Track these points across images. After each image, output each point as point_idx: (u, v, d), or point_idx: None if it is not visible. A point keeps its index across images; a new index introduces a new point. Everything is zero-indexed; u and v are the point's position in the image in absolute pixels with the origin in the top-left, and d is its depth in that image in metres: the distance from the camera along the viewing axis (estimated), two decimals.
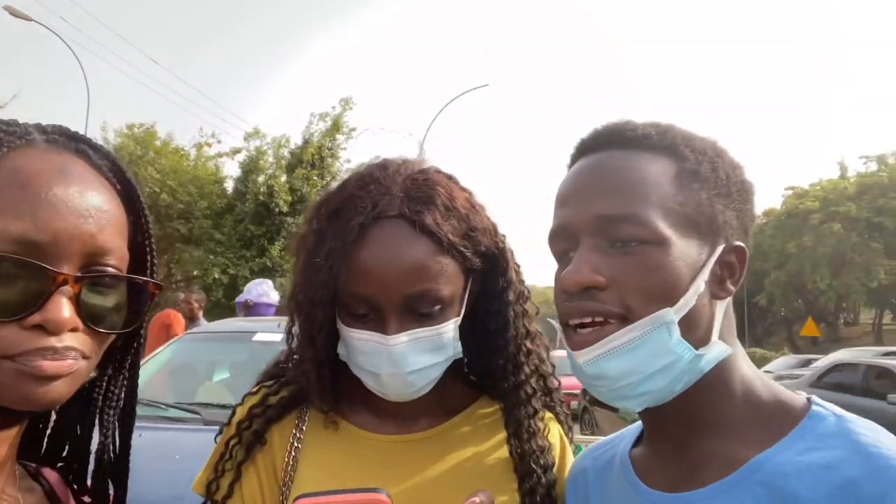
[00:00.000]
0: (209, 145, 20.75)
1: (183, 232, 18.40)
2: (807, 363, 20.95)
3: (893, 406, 8.82)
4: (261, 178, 18.03)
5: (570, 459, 1.10)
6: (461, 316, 0.99)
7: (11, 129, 0.69)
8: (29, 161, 0.67)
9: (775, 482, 0.71)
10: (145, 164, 18.56)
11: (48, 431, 0.85)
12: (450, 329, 0.96)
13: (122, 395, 0.86)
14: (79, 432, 0.85)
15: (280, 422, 1.04)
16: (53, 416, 0.84)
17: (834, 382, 10.78)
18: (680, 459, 0.82)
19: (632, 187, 0.79)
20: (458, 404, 1.09)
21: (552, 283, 0.86)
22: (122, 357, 0.84)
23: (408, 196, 0.95)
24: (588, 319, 0.78)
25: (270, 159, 18.57)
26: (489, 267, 1.02)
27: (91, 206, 0.69)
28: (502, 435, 1.05)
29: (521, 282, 1.09)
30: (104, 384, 0.84)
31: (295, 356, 1.08)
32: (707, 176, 0.81)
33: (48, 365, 0.64)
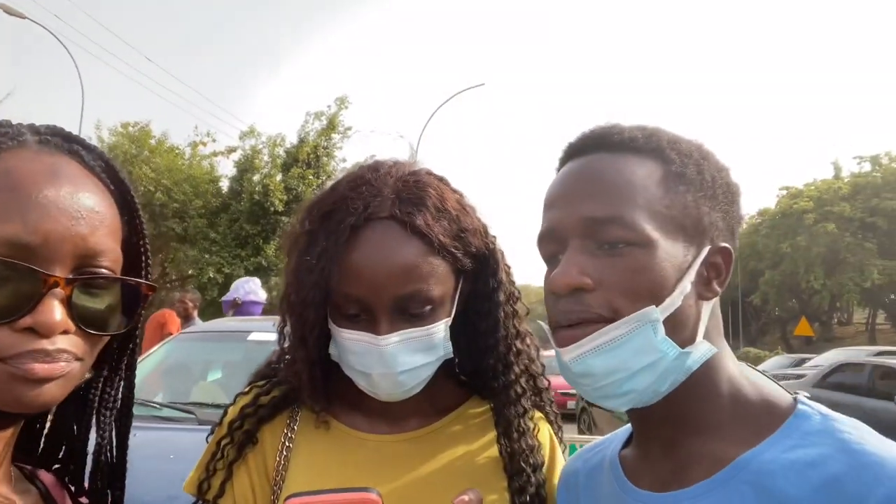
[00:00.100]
0: (204, 144, 20.61)
1: (178, 231, 18.27)
2: (800, 362, 21.00)
3: None
4: (256, 178, 17.93)
5: (560, 458, 1.11)
6: (452, 316, 1.00)
7: (3, 130, 0.69)
8: (20, 162, 0.67)
9: (761, 480, 0.72)
10: (140, 163, 18.40)
11: (44, 433, 0.85)
12: (440, 329, 0.97)
13: (119, 395, 0.86)
14: (75, 433, 0.85)
15: (271, 422, 1.05)
16: (50, 418, 0.84)
17: (838, 383, 10.71)
18: (668, 459, 0.82)
19: (619, 190, 0.79)
20: (449, 404, 1.09)
21: None
22: (118, 358, 0.84)
23: (399, 197, 0.96)
24: (576, 321, 0.79)
25: (266, 158, 18.51)
26: (480, 268, 1.03)
27: (83, 208, 0.68)
28: (492, 434, 1.06)
29: (512, 282, 1.10)
30: (100, 385, 0.84)
31: (287, 356, 1.08)
32: (693, 178, 0.82)
33: (40, 367, 0.64)
